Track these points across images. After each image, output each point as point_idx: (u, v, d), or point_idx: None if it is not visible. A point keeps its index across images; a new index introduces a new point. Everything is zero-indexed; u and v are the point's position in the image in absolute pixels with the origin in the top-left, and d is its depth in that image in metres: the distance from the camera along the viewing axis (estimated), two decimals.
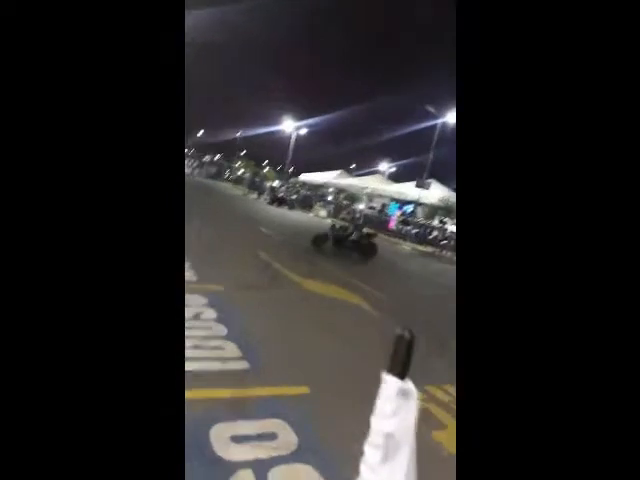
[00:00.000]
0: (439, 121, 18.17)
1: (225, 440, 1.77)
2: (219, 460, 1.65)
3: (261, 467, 1.65)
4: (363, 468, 0.40)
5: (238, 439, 1.80)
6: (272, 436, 1.88)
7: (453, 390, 2.82)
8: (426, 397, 2.65)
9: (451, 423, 2.38)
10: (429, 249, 14.79)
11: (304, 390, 2.41)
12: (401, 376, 0.43)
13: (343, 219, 9.19)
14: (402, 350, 0.42)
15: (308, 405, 2.26)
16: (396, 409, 0.42)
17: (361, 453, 0.40)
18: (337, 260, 7.53)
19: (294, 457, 1.77)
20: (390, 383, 0.43)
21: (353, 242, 8.26)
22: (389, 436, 0.41)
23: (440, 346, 3.88)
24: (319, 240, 8.15)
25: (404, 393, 0.42)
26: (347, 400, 2.43)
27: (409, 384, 0.43)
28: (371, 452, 0.41)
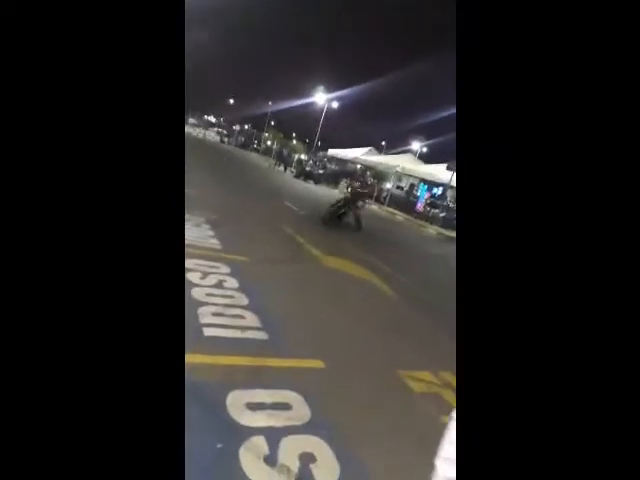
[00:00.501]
0: None
1: (240, 406, 1.83)
2: (233, 425, 1.71)
3: (273, 435, 1.70)
4: None
5: (253, 406, 1.86)
6: (286, 406, 1.93)
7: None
8: (440, 383, 2.63)
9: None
10: (455, 234, 14.42)
11: (320, 365, 2.45)
12: None
13: (354, 190, 8.78)
14: None
15: (323, 380, 2.29)
16: None
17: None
18: (337, 233, 7.42)
19: (306, 429, 1.81)
20: None
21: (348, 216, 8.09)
22: None
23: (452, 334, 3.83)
24: (326, 218, 8.01)
25: None
26: (362, 377, 2.46)
27: None
28: None
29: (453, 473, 0.37)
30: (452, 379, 2.70)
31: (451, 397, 2.48)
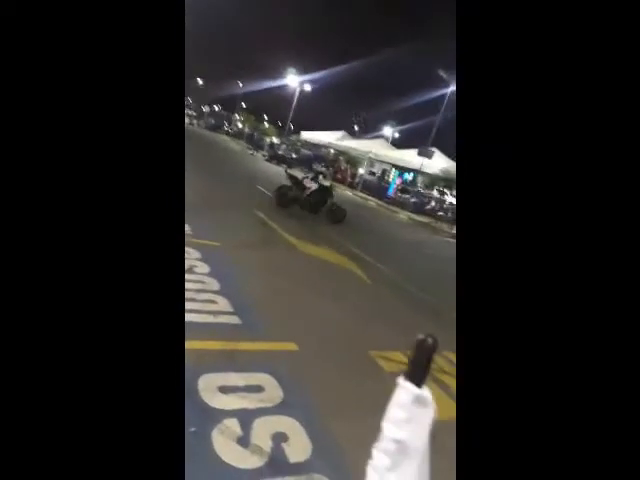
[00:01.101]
0: (449, 89, 17.45)
1: (213, 390, 1.82)
2: (206, 408, 1.70)
3: (246, 417, 1.71)
4: (371, 472, 0.39)
5: (225, 389, 1.86)
6: (259, 389, 1.94)
7: (438, 358, 2.91)
8: None
9: (432, 388, 2.47)
10: (425, 219, 14.80)
11: (293, 347, 2.47)
12: (419, 383, 0.40)
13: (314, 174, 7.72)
14: (422, 356, 0.40)
15: (296, 362, 2.32)
16: (410, 417, 0.40)
17: (369, 456, 0.39)
18: (311, 219, 7.17)
19: (279, 410, 1.83)
20: (406, 389, 0.40)
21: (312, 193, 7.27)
22: (400, 443, 0.39)
23: (426, 317, 3.97)
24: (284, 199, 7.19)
25: (420, 401, 0.40)
26: (334, 358, 2.50)
27: (426, 392, 0.41)
28: (380, 457, 0.39)
29: (398, 434, 0.39)
30: None
31: None
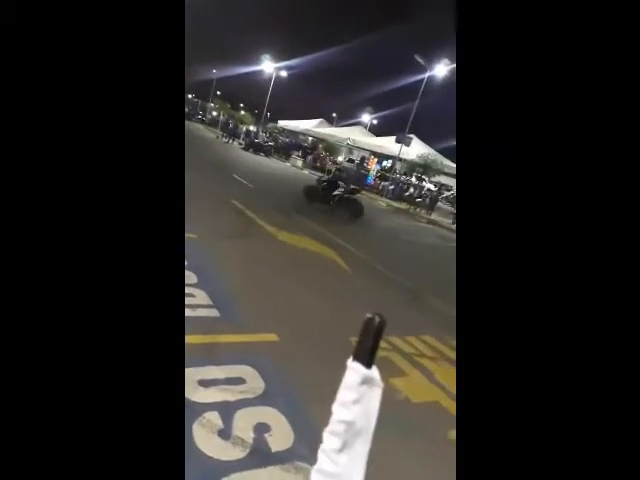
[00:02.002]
0: (426, 75, 17.49)
1: (193, 384, 1.80)
2: (186, 403, 1.68)
3: (227, 409, 1.70)
4: (321, 456, 0.38)
5: (206, 383, 1.84)
6: (240, 381, 1.93)
7: (417, 342, 2.97)
8: (390, 347, 2.78)
9: (412, 372, 2.53)
10: (403, 206, 14.96)
11: (274, 338, 2.46)
12: (367, 364, 0.40)
13: (327, 171, 8.62)
14: (370, 336, 0.39)
15: (277, 352, 2.31)
16: (359, 398, 0.39)
17: (320, 440, 0.39)
18: (325, 218, 7.40)
19: (260, 400, 1.83)
20: (355, 370, 0.39)
21: (340, 199, 7.99)
22: (349, 424, 0.38)
23: (406, 302, 4.04)
24: (310, 195, 7.94)
25: (368, 381, 0.40)
26: (315, 347, 2.52)
27: (374, 372, 0.40)
28: (330, 440, 0.39)
29: (347, 416, 0.39)
30: (400, 343, 2.86)
31: (399, 359, 2.64)
